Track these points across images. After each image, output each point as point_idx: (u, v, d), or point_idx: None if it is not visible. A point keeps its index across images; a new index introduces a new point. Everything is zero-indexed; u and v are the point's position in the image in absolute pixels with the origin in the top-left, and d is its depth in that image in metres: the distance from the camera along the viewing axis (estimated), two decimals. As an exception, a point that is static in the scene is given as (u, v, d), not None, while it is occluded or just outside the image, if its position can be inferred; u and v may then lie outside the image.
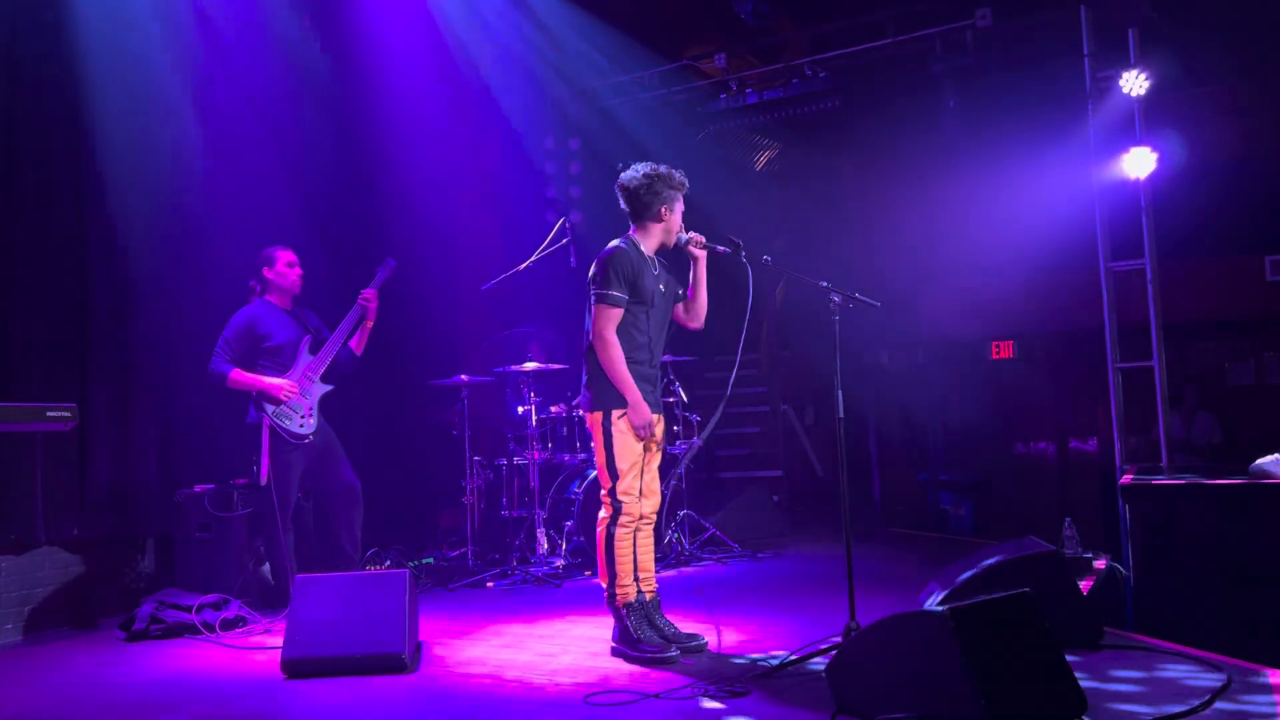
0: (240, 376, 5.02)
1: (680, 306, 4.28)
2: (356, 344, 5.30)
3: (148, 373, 5.65)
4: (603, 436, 4.02)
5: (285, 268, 5.23)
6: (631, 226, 4.19)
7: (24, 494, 4.97)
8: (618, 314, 4.01)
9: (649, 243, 4.16)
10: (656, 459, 4.19)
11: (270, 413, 4.99)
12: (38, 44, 5.27)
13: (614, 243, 4.10)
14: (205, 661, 4.31)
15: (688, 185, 4.18)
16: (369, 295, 5.23)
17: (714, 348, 9.07)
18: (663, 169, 4.13)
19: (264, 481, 4.94)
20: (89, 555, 5.29)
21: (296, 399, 5.06)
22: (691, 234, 4.17)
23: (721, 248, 4.12)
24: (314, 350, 5.21)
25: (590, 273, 4.09)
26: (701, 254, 4.17)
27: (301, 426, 5.06)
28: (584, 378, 4.12)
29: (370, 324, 5.29)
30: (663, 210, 4.13)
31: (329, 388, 5.23)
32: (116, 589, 5.39)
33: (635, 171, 4.14)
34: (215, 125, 6.04)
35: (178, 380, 5.76)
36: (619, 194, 4.19)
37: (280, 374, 5.10)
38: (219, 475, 5.65)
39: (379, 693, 3.67)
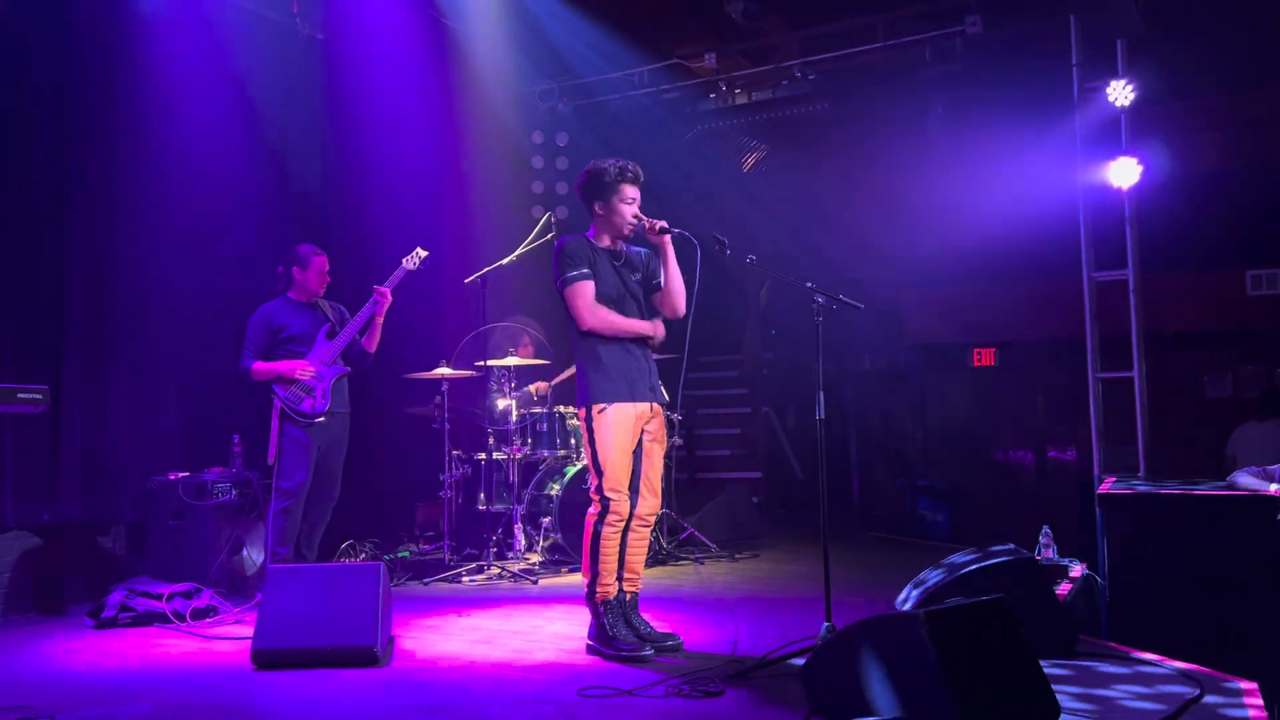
0: (262, 367, 5.17)
1: (657, 296, 4.27)
2: (369, 341, 5.36)
3: (124, 358, 5.58)
4: (588, 431, 4.00)
5: (315, 275, 5.36)
6: (590, 226, 4.22)
7: (-7, 477, 4.91)
8: (588, 286, 4.01)
9: (603, 237, 4.16)
10: (658, 458, 4.15)
11: (282, 396, 5.13)
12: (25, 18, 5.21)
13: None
14: (175, 651, 4.27)
15: (630, 173, 4.11)
16: (383, 292, 5.30)
17: (695, 349, 9.05)
18: (604, 163, 4.13)
19: (270, 460, 5.12)
20: (59, 540, 5.22)
21: (310, 380, 5.17)
22: (651, 221, 4.10)
23: (679, 230, 4.09)
24: (331, 336, 5.32)
25: (553, 276, 4.12)
26: (663, 240, 4.12)
27: (313, 407, 5.17)
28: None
29: (380, 320, 5.35)
30: (611, 200, 4.11)
31: (345, 370, 5.32)
32: (87, 575, 5.31)
33: (581, 171, 4.18)
34: (196, 109, 5.98)
35: (154, 366, 5.72)
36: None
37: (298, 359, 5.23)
38: (194, 463, 5.61)
39: (349, 685, 3.64)
